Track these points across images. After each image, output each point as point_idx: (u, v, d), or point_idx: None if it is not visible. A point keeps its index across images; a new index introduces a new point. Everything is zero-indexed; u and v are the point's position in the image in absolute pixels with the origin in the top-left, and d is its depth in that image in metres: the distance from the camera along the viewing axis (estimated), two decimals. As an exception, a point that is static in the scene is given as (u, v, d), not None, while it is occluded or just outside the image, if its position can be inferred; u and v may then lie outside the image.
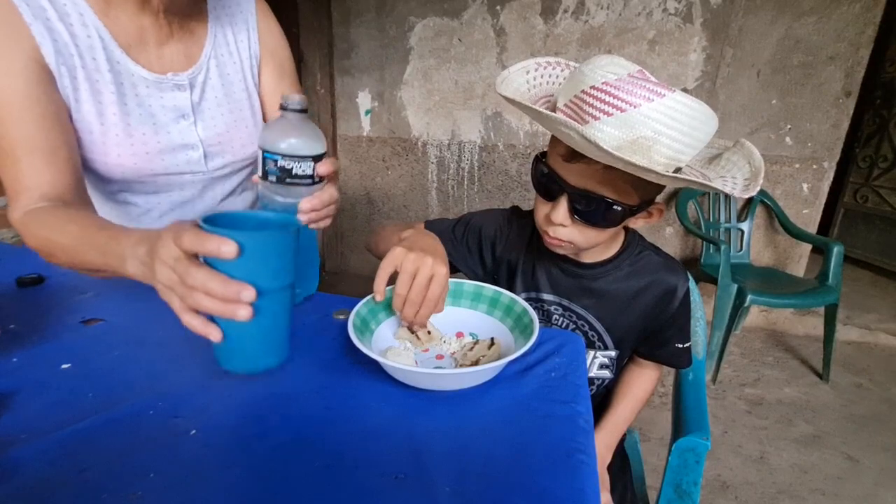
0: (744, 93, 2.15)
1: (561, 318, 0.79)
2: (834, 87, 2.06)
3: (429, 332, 0.63)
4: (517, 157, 2.47)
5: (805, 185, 2.22)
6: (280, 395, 0.52)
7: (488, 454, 0.45)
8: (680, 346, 0.79)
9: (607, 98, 0.52)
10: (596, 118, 0.53)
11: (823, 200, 2.24)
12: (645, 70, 0.54)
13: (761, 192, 2.21)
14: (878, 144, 2.74)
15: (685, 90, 1.92)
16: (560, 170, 0.63)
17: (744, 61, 2.11)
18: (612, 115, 0.52)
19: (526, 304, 0.63)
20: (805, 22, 2.01)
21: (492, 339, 0.62)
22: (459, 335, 0.66)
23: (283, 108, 0.57)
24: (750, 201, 2.27)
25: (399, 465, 0.43)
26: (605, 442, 0.78)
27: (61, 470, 0.40)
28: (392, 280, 0.60)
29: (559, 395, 0.54)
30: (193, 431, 0.45)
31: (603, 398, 0.86)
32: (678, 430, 0.78)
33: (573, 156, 0.59)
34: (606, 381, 0.83)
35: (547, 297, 0.79)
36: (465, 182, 2.59)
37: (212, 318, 0.44)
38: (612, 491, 0.76)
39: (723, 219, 2.28)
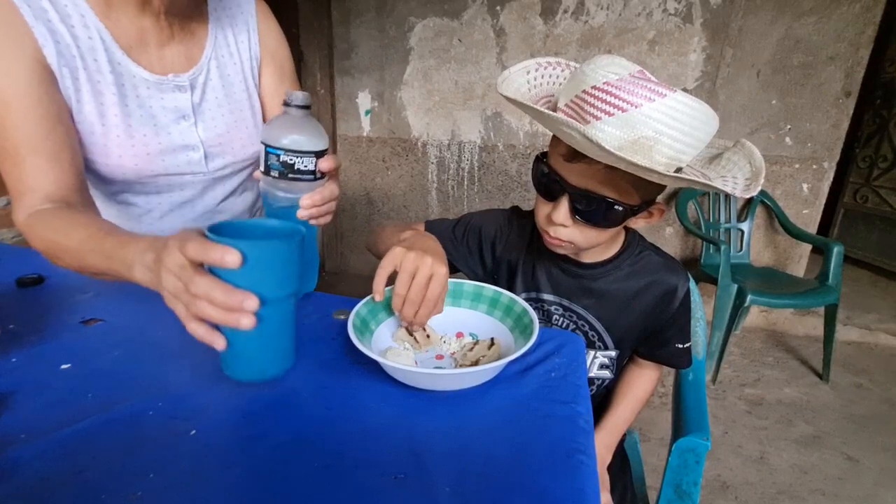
0: (744, 93, 2.15)
1: (561, 318, 0.79)
2: (834, 87, 2.06)
3: (427, 336, 0.63)
4: (517, 157, 2.47)
5: (805, 186, 2.22)
6: (280, 395, 0.52)
7: (488, 454, 0.45)
8: (680, 346, 0.79)
9: (609, 98, 0.52)
10: (597, 118, 0.53)
11: (823, 200, 2.25)
12: (645, 70, 0.54)
13: (761, 192, 2.21)
14: (878, 144, 2.74)
15: (685, 90, 1.91)
16: (561, 170, 0.63)
17: (744, 61, 2.11)
18: (613, 114, 0.52)
19: (526, 304, 0.63)
20: (805, 22, 2.01)
21: (492, 339, 0.62)
22: (459, 335, 0.66)
23: (286, 104, 0.57)
24: (750, 201, 2.27)
25: (399, 465, 0.43)
26: (605, 442, 0.78)
27: (61, 470, 0.40)
28: (392, 280, 0.60)
29: (559, 396, 0.54)
30: (193, 432, 0.45)
31: (603, 398, 0.86)
32: (678, 430, 0.78)
33: (574, 156, 0.59)
34: (606, 382, 0.83)
35: (547, 297, 0.79)
36: (465, 182, 2.59)
37: (217, 327, 0.44)
38: (612, 491, 0.76)
39: (723, 219, 2.28)
